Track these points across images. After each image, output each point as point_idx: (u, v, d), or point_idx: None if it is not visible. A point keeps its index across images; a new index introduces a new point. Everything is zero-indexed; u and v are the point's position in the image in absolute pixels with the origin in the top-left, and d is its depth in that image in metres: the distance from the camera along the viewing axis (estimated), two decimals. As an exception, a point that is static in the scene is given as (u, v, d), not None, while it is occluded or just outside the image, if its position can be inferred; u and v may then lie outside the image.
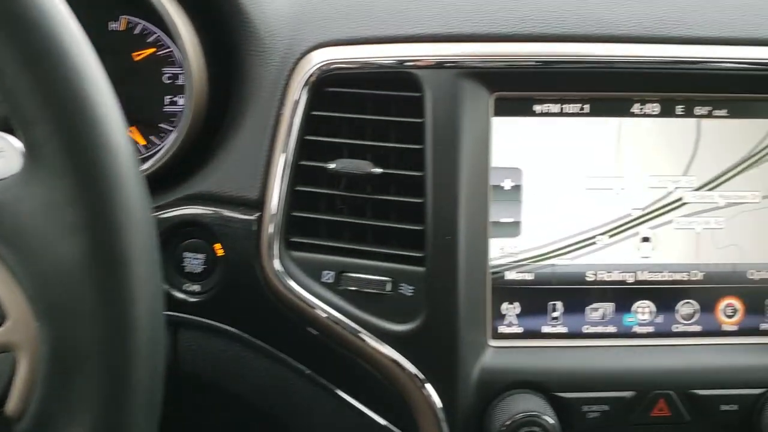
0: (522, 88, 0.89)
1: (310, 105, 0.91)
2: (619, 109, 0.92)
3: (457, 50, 0.88)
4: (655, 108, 0.92)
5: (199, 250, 0.92)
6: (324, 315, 0.89)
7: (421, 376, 0.87)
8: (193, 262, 0.92)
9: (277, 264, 0.90)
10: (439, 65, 0.88)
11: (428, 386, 0.88)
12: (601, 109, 0.91)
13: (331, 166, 0.90)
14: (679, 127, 0.92)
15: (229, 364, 0.97)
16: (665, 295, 0.93)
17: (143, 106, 0.99)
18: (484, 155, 0.90)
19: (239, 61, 0.96)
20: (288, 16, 0.96)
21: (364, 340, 0.88)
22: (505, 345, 0.91)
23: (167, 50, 0.99)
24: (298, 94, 0.90)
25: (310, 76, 0.90)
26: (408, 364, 0.88)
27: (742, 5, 0.93)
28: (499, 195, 0.92)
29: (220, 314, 0.95)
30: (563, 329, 0.93)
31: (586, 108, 0.91)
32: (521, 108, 0.91)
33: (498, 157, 0.91)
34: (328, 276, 0.90)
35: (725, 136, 0.92)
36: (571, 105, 0.91)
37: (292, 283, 0.89)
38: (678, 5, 0.93)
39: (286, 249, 0.91)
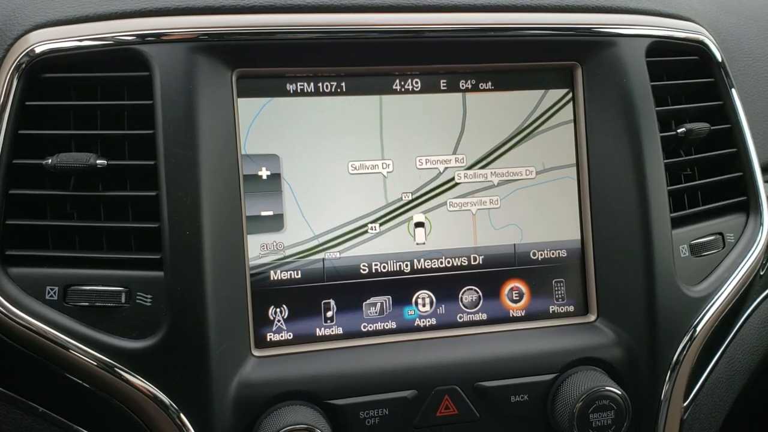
0: (267, 64, 0.81)
1: (25, 94, 0.78)
2: (379, 85, 0.85)
3: (188, 22, 0.78)
4: (417, 83, 0.86)
5: None
6: (47, 339, 0.74)
7: (167, 401, 0.75)
8: None
9: (-13, 283, 0.75)
10: (168, 40, 0.77)
11: (181, 413, 0.75)
12: (360, 86, 0.84)
13: (48, 161, 0.76)
14: (445, 103, 0.87)
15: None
16: (445, 283, 0.86)
17: None
18: (231, 141, 0.80)
19: None
20: (3, 1, 0.83)
21: (96, 366, 0.74)
22: (272, 354, 0.81)
23: None
24: (8, 83, 0.77)
25: (22, 60, 0.77)
26: (152, 387, 0.75)
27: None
28: (256, 185, 0.82)
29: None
30: (338, 330, 0.84)
31: (344, 86, 0.84)
32: (272, 87, 0.82)
33: (251, 144, 0.82)
34: (53, 292, 0.76)
35: (493, 110, 0.88)
36: (327, 82, 0.84)
37: (7, 303, 0.75)
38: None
39: (2, 264, 0.76)
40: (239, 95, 0.80)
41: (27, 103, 0.78)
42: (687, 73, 0.96)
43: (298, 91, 0.83)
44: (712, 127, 0.95)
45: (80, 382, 0.76)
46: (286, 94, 0.82)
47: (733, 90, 0.97)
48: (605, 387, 0.82)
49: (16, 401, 0.78)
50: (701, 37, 0.95)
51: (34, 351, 0.75)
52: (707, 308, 0.91)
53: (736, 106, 0.96)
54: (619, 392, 0.83)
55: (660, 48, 0.91)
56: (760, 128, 1.03)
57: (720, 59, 0.96)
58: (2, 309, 0.75)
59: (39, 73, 0.78)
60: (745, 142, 0.97)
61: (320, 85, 0.83)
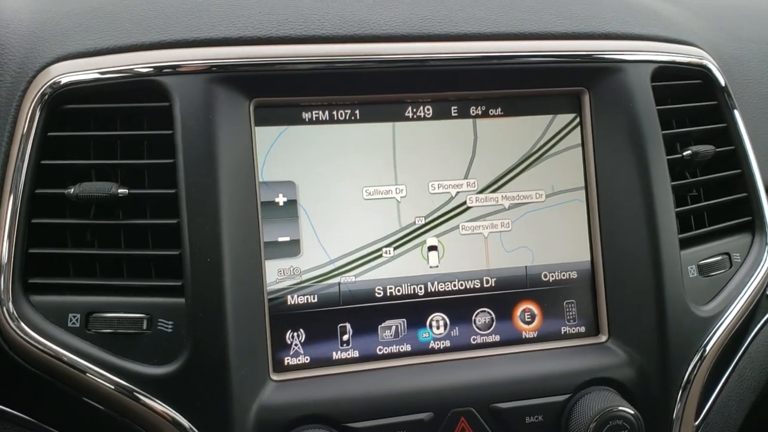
0: (284, 93, 0.83)
1: (47, 125, 0.79)
2: (392, 113, 0.87)
3: (206, 54, 0.80)
4: (429, 110, 0.88)
5: None
6: (70, 366, 0.76)
7: (188, 425, 0.76)
8: None
9: (11, 311, 0.76)
10: (187, 71, 0.79)
11: (202, 437, 0.76)
12: (373, 114, 0.86)
13: (71, 190, 0.78)
14: (456, 129, 0.89)
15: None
16: (459, 306, 0.88)
17: None
18: (249, 168, 0.81)
19: None
20: (24, 34, 0.85)
21: (118, 392, 0.76)
22: (290, 377, 0.82)
23: None
24: (30, 114, 0.79)
25: (45, 92, 0.79)
26: (173, 412, 0.76)
27: (506, 3, 0.92)
28: (273, 212, 0.83)
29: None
30: (355, 353, 0.85)
31: (358, 113, 0.86)
32: (288, 116, 0.84)
33: (268, 171, 0.83)
34: (75, 319, 0.77)
35: (503, 135, 0.90)
36: (342, 111, 0.85)
37: (31, 332, 0.76)
38: (445, 4, 0.90)
39: (25, 293, 0.78)
40: (257, 124, 0.82)
41: (49, 133, 0.80)
42: (691, 97, 0.98)
43: (314, 119, 0.85)
44: (717, 149, 0.97)
45: (102, 408, 0.77)
46: (302, 122, 0.84)
47: (736, 112, 0.99)
48: (618, 407, 0.83)
49: (38, 428, 0.79)
50: (704, 62, 0.97)
51: (57, 378, 0.77)
52: (716, 327, 0.92)
53: (739, 128, 0.99)
54: (632, 412, 0.84)
55: (664, 73, 0.94)
56: (764, 149, 1.05)
57: (723, 83, 0.98)
58: (26, 337, 0.76)
59: (61, 104, 0.80)
60: (749, 163, 0.99)
61: (335, 113, 0.85)
